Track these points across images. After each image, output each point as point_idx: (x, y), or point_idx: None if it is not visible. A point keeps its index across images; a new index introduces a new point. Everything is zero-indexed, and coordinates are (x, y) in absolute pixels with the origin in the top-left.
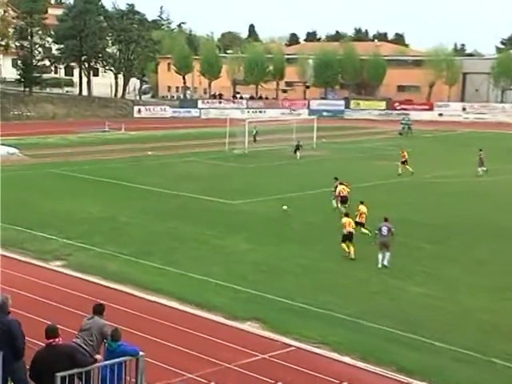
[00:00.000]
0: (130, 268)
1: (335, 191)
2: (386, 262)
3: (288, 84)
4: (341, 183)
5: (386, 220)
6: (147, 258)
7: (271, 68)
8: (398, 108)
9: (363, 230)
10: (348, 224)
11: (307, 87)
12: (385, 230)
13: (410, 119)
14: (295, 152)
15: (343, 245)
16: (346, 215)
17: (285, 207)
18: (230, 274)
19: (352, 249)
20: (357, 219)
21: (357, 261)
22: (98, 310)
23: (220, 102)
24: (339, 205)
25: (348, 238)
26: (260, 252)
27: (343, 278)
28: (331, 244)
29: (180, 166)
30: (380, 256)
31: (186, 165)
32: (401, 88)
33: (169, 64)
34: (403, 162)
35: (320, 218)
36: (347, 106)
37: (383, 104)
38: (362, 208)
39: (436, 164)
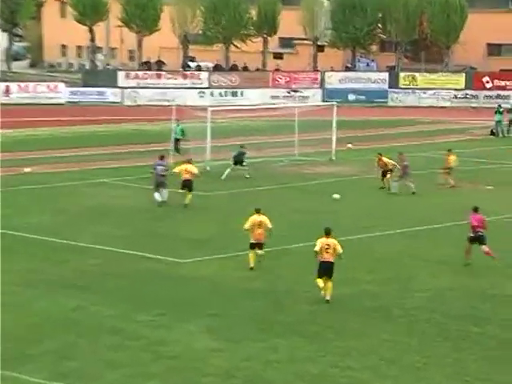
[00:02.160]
0: None
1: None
2: None
3: (285, 43)
4: (188, 161)
5: None
6: (22, 366)
7: (253, 13)
8: (489, 86)
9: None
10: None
11: (320, 48)
12: None
13: None
14: (235, 166)
15: (318, 280)
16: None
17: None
18: None
19: (330, 285)
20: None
21: (411, 366)
22: None
23: (159, 76)
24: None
25: (326, 272)
26: (232, 353)
27: None
28: (360, 336)
29: (85, 194)
30: None
31: (97, 191)
32: (494, 49)
33: (63, 4)
34: (384, 173)
35: (338, 292)
36: (394, 83)
37: (460, 79)
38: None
39: None
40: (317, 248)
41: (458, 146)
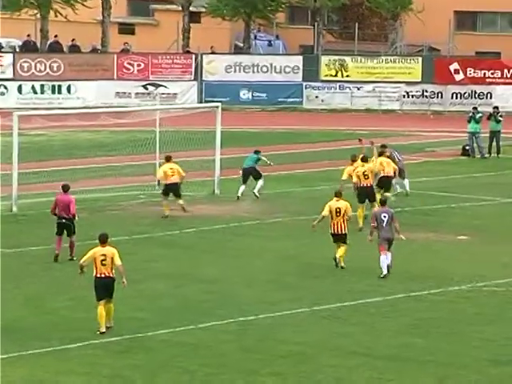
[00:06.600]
0: None
1: None
2: None
3: (137, 8)
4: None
5: None
6: None
7: None
8: (459, 78)
9: None
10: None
11: (194, 17)
12: None
13: (498, 112)
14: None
15: (100, 308)
16: None
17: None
18: None
19: (111, 309)
20: None
21: None
22: None
23: None
24: None
25: (105, 292)
26: None
27: None
28: None
29: None
30: None
31: None
32: (466, 19)
33: None
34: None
35: None
36: (311, 72)
37: (415, 67)
38: None
39: None
40: (85, 260)
41: (414, 172)
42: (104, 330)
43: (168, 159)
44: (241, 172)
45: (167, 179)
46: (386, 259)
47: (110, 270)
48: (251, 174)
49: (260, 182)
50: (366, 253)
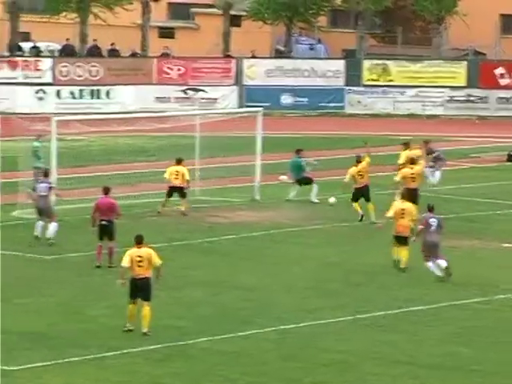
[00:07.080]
0: None
1: None
2: None
3: (177, 12)
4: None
5: None
6: None
7: None
8: (505, 83)
9: None
10: None
11: (234, 21)
12: None
13: None
14: None
15: (131, 308)
16: None
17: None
18: None
19: (147, 313)
20: None
21: None
22: None
23: None
24: None
25: (142, 291)
26: None
27: None
28: None
29: None
30: None
31: None
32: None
33: None
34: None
35: None
36: (354, 77)
37: (460, 72)
38: None
39: None
40: (125, 263)
41: (459, 178)
42: (131, 328)
43: (178, 162)
44: (285, 178)
45: (171, 182)
46: (432, 264)
47: (147, 270)
48: (303, 183)
49: (315, 186)
50: (410, 260)
